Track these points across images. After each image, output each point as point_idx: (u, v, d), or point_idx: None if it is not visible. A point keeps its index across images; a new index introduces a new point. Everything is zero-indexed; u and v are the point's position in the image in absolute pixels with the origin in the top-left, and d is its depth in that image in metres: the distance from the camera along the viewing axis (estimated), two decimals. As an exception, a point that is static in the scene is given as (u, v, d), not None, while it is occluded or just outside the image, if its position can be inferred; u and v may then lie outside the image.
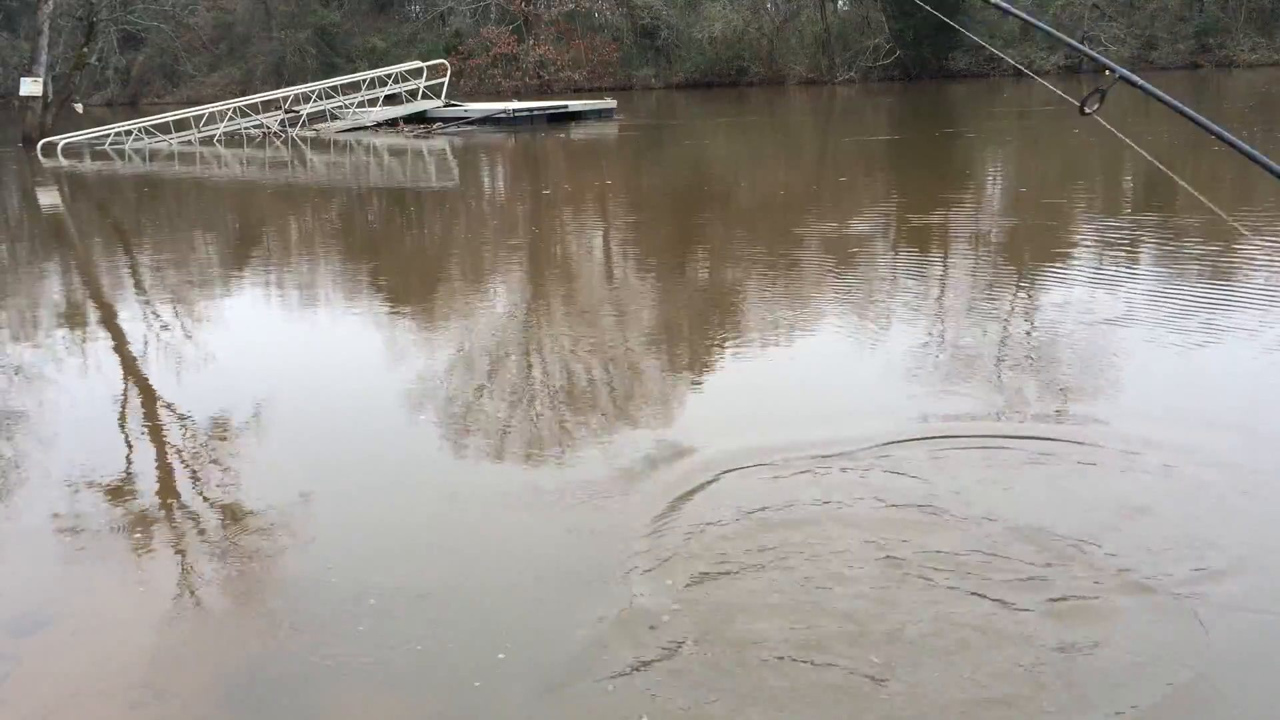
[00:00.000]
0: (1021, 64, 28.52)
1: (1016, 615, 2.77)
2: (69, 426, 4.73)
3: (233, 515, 3.66)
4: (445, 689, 2.59)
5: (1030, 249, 7.84)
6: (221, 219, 12.37)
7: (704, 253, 8.48)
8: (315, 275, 8.37)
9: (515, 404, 4.76)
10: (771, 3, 36.56)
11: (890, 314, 5.96)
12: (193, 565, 3.29)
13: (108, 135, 21.01)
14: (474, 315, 6.58)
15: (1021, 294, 6.40)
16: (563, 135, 20.47)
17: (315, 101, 22.98)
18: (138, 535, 3.54)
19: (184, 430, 4.61)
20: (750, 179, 13.53)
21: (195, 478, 4.05)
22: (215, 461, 4.20)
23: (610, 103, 24.12)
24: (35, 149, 20.26)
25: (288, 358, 5.93)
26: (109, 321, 6.92)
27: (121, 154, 20.09)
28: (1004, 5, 2.60)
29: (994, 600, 2.84)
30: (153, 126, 21.71)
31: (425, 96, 23.31)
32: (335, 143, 20.51)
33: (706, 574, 3.04)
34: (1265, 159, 1.95)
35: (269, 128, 21.80)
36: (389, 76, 23.55)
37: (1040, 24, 2.45)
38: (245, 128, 22.09)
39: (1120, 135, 2.58)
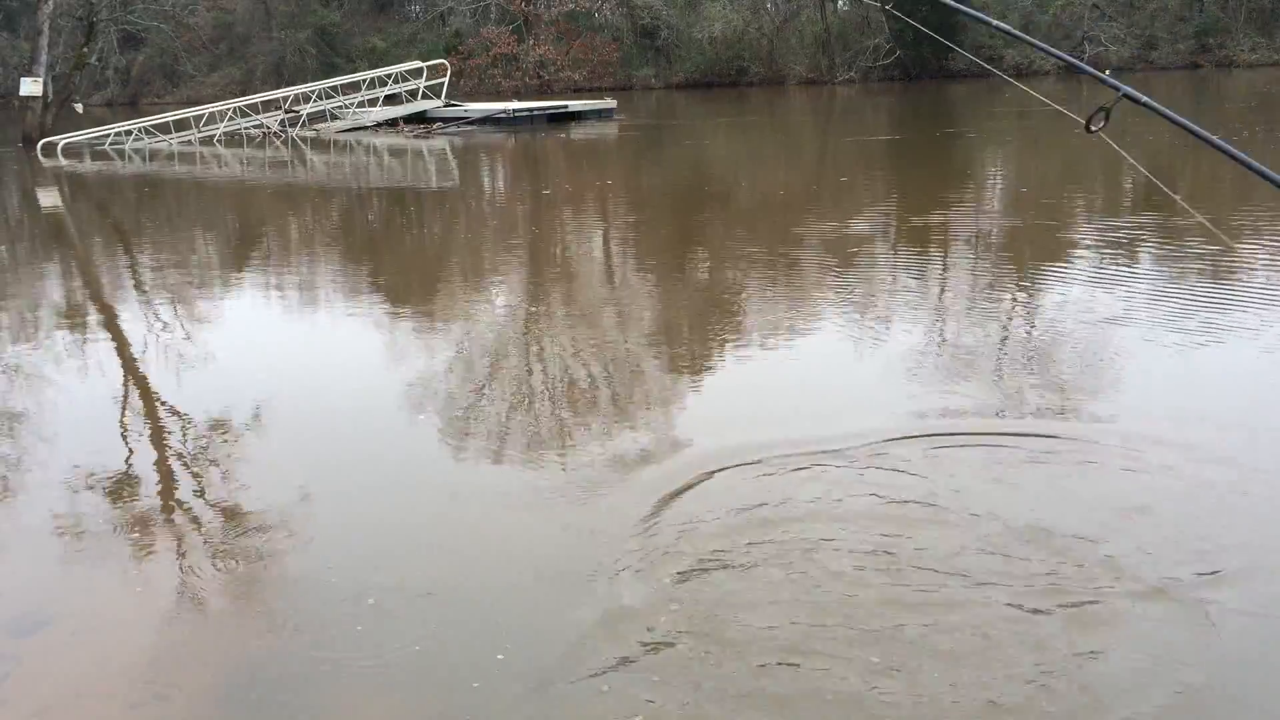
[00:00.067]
0: (1021, 64, 28.54)
1: (1020, 616, 2.77)
2: (69, 426, 4.73)
3: (233, 515, 3.66)
4: (445, 689, 2.59)
5: (1030, 249, 7.84)
6: (221, 219, 12.37)
7: (704, 253, 8.48)
8: (315, 275, 8.37)
9: (515, 403, 4.76)
10: (771, 3, 36.57)
11: (890, 313, 5.96)
12: (193, 565, 3.29)
13: (108, 135, 21.01)
14: (474, 315, 6.58)
15: (1022, 293, 6.40)
16: (563, 135, 20.48)
17: (315, 101, 22.98)
18: (138, 535, 3.54)
19: (184, 430, 4.62)
20: (750, 179, 13.52)
21: (195, 477, 4.05)
22: (215, 461, 4.20)
23: (610, 103, 24.13)
24: (35, 149, 20.26)
25: (288, 358, 5.93)
26: (109, 321, 6.92)
27: (121, 154, 20.09)
28: (1000, 25, 2.59)
29: (996, 601, 2.84)
30: (153, 126, 21.71)
31: (425, 96, 23.31)
32: (335, 143, 20.51)
33: (705, 573, 3.04)
34: (1265, 169, 1.95)
35: (269, 128, 21.80)
36: (389, 76, 23.55)
37: (1040, 43, 2.43)
38: (245, 128, 22.09)
39: (1123, 153, 2.57)
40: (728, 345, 5.57)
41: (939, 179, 12.33)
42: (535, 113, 22.84)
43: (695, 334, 5.89)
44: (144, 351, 6.02)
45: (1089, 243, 7.82)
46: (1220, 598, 2.81)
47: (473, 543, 3.39)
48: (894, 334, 5.53)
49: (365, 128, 22.40)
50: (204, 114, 21.61)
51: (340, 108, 23.04)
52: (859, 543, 3.18)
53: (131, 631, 2.93)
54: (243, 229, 11.58)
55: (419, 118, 22.52)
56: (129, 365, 5.78)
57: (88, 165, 18.66)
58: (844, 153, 16.28)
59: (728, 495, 3.54)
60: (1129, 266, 6.99)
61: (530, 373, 5.27)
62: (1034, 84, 25.38)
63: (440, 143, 19.69)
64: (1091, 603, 2.81)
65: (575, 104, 24.07)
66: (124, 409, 4.99)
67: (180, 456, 4.29)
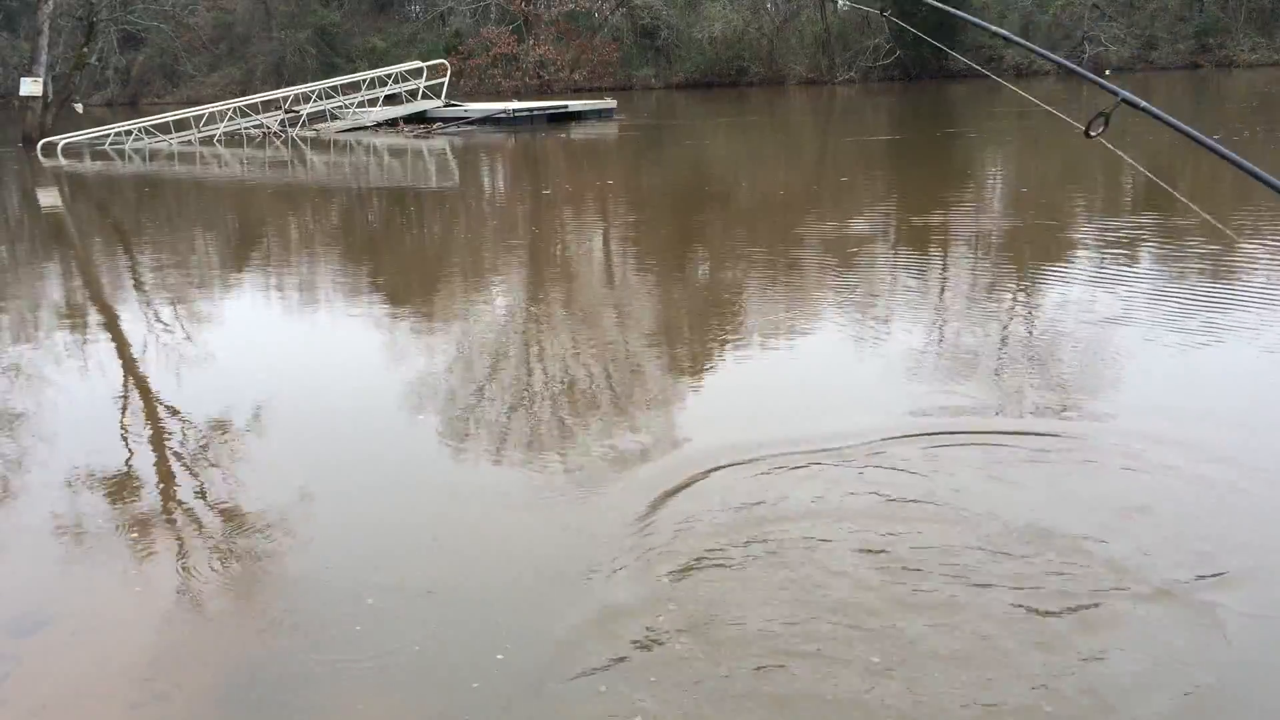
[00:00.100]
0: (1022, 65, 28.51)
1: (1021, 617, 2.76)
2: (69, 426, 4.73)
3: (232, 515, 3.66)
4: (445, 689, 2.59)
5: (1030, 249, 7.84)
6: (221, 219, 12.37)
7: (704, 252, 8.48)
8: (315, 275, 8.37)
9: (514, 403, 4.76)
10: (771, 3, 36.57)
11: (890, 313, 5.96)
12: (193, 565, 3.29)
13: (108, 135, 21.01)
14: (473, 315, 6.58)
15: (1022, 293, 6.40)
16: (563, 135, 20.47)
17: (315, 101, 22.97)
18: (137, 535, 3.54)
19: (184, 430, 4.61)
20: (750, 179, 13.52)
21: (195, 478, 4.05)
22: (215, 461, 4.20)
23: (610, 103, 24.13)
24: (35, 149, 20.26)
25: (288, 358, 5.93)
26: (109, 321, 6.92)
27: (121, 154, 20.09)
28: (998, 30, 2.59)
29: (997, 601, 2.83)
30: (153, 126, 21.71)
31: (425, 96, 23.30)
32: (335, 143, 20.51)
33: (704, 573, 3.04)
34: (1267, 175, 1.94)
35: (269, 128, 21.80)
36: (389, 76, 23.54)
37: (1038, 48, 2.44)
38: (245, 128, 22.09)
39: (1124, 156, 2.57)
40: (727, 345, 5.57)
41: (939, 179, 12.33)
42: (535, 113, 22.83)
43: (695, 334, 5.89)
44: (144, 351, 6.02)
45: (1089, 243, 7.82)
46: (1224, 599, 2.80)
47: (472, 543, 3.39)
48: (894, 333, 5.53)
49: (365, 128, 22.40)
50: (204, 114, 21.61)
51: (340, 108, 23.03)
52: (859, 542, 3.18)
53: (131, 631, 2.93)
54: (243, 229, 11.58)
55: (419, 118, 22.52)
56: (129, 365, 5.78)
57: (88, 165, 18.66)
58: (844, 153, 16.28)
59: (727, 495, 3.54)
60: (1129, 266, 6.99)
61: (530, 372, 5.27)
62: (1034, 84, 25.40)
63: (440, 143, 19.69)
64: (1094, 603, 2.81)
65: (575, 104, 24.07)
66: (124, 409, 4.98)
67: (180, 456, 4.29)
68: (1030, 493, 3.49)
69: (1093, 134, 2.05)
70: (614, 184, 13.51)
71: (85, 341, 6.31)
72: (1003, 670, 2.54)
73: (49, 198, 15.25)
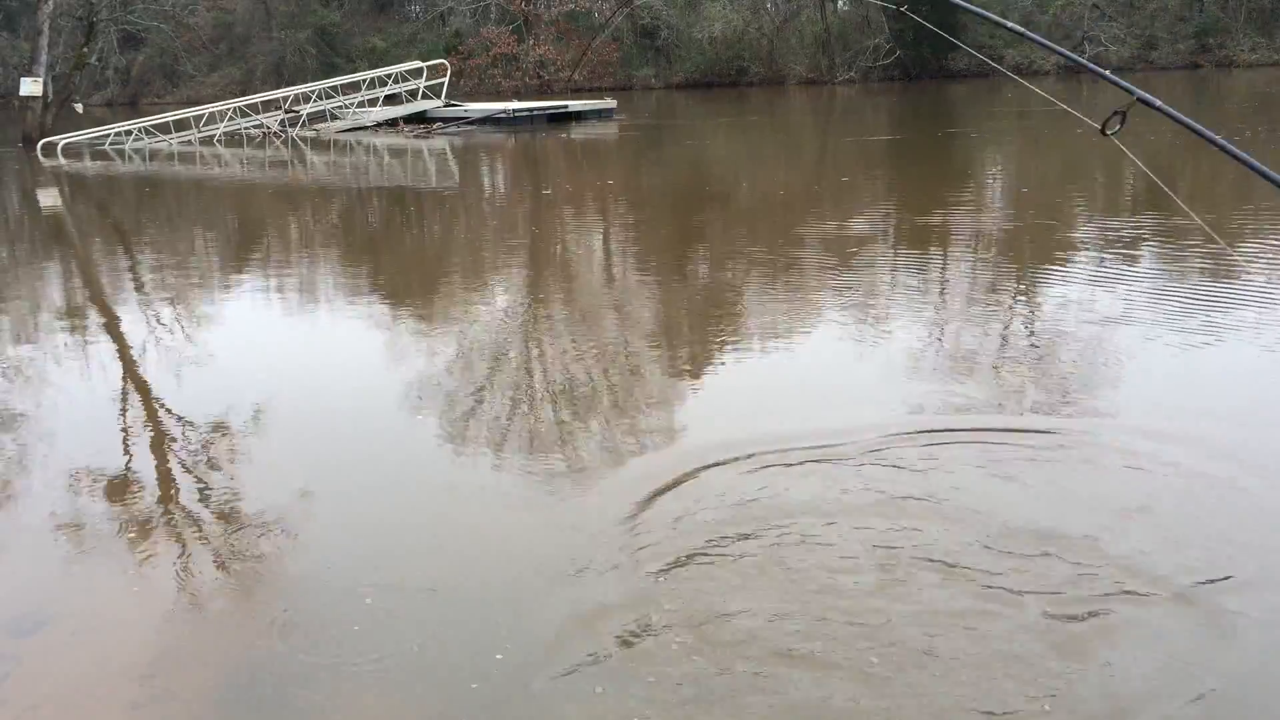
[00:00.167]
0: (1022, 64, 28.51)
1: (1023, 618, 2.76)
2: (69, 426, 4.73)
3: (232, 515, 3.66)
4: (444, 689, 2.59)
5: (1031, 248, 7.84)
6: (221, 219, 12.37)
7: (704, 253, 8.48)
8: (315, 275, 8.37)
9: (515, 403, 4.76)
10: (771, 3, 36.56)
11: (890, 313, 5.96)
12: (192, 565, 3.29)
13: (108, 135, 21.02)
14: (473, 315, 6.58)
15: (1022, 293, 6.39)
16: (563, 135, 20.47)
17: (315, 101, 22.97)
18: (137, 535, 3.53)
19: (184, 430, 4.61)
20: (750, 179, 13.52)
21: (195, 478, 4.05)
22: (215, 461, 4.20)
23: (610, 103, 24.13)
24: (35, 149, 20.26)
25: (288, 358, 5.93)
26: (109, 321, 6.92)
27: (121, 154, 20.09)
28: (1014, 26, 2.58)
29: (998, 602, 2.83)
30: (153, 126, 21.71)
31: (425, 96, 23.30)
32: (335, 143, 20.51)
33: (704, 573, 3.04)
34: (1277, 176, 1.94)
35: (269, 128, 21.79)
36: (389, 76, 23.54)
37: (1058, 47, 2.43)
38: (245, 128, 22.09)
39: (1135, 160, 2.57)
40: (727, 344, 5.57)
41: (939, 179, 12.33)
42: (535, 113, 22.83)
43: (695, 333, 5.89)
44: (144, 351, 6.02)
45: (1089, 242, 7.81)
46: (1229, 601, 2.80)
47: (472, 543, 3.38)
48: (894, 333, 5.53)
49: (365, 128, 22.40)
50: (204, 114, 21.61)
51: (340, 108, 23.03)
52: (859, 542, 3.17)
53: (131, 631, 2.92)
54: (243, 229, 11.58)
55: (419, 118, 22.52)
56: (129, 365, 5.78)
57: (88, 165, 18.66)
58: (844, 153, 16.28)
59: (727, 494, 3.54)
60: (1130, 265, 6.99)
61: (530, 372, 5.27)
62: (1034, 84, 25.34)
63: (440, 143, 19.69)
64: (1096, 603, 2.80)
65: (575, 104, 24.06)
66: (124, 409, 4.98)
67: (180, 456, 4.29)
68: (1031, 491, 3.49)
69: (1108, 132, 2.06)
70: (614, 184, 13.50)
71: (85, 341, 6.30)
72: (1005, 673, 2.53)
73: (49, 198, 15.25)
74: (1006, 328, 5.67)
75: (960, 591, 2.88)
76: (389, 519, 3.58)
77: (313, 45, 38.44)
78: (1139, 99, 2.04)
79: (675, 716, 2.43)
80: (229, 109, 22.33)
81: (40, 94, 21.86)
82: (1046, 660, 2.57)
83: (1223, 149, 2.02)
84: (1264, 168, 1.97)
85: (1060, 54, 2.48)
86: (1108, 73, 2.30)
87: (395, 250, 9.41)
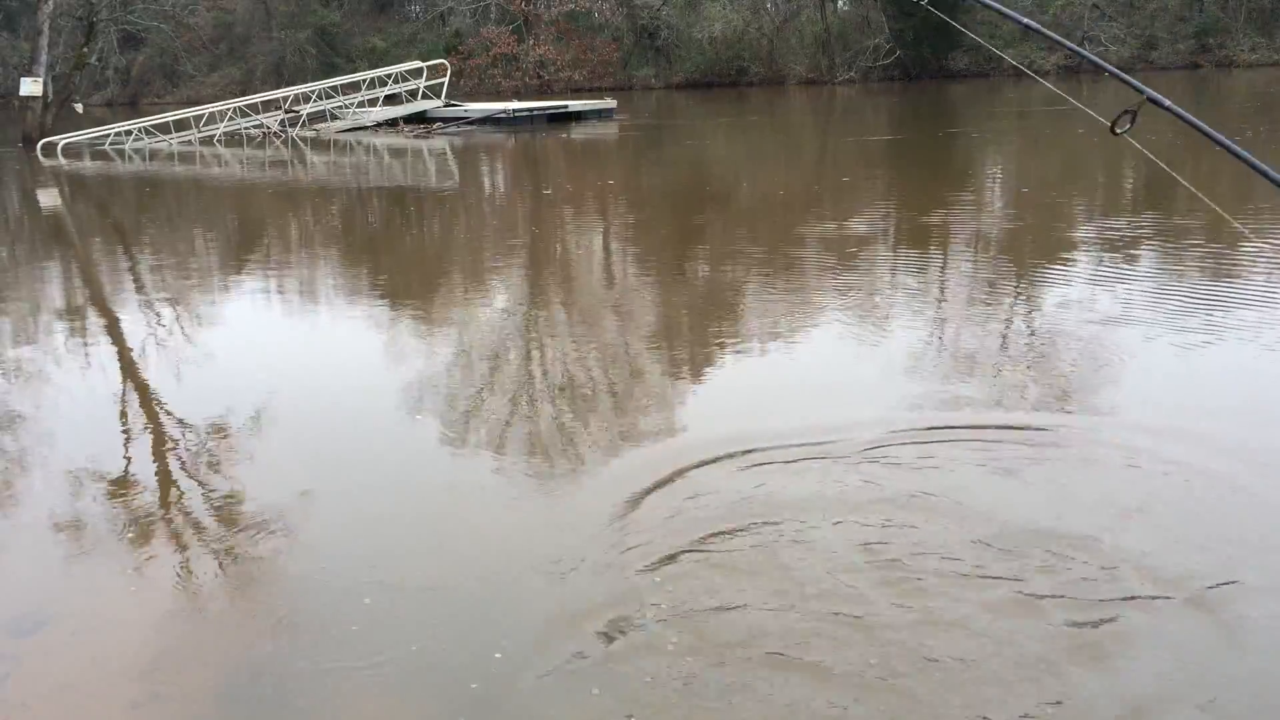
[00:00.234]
0: (1022, 64, 28.53)
1: (1024, 618, 2.75)
2: (68, 426, 4.73)
3: (232, 515, 3.66)
4: (444, 689, 2.58)
5: (1032, 248, 7.84)
6: (221, 219, 12.36)
7: (704, 252, 8.47)
8: (315, 275, 8.36)
9: (515, 402, 4.76)
10: (771, 3, 36.55)
11: (890, 313, 5.96)
12: (192, 565, 3.29)
13: (108, 135, 21.01)
14: (473, 315, 6.58)
15: (1023, 293, 6.39)
16: (563, 135, 20.47)
17: (315, 101, 22.97)
18: (137, 535, 3.53)
19: (184, 430, 4.61)
20: (751, 179, 13.52)
21: (195, 477, 4.04)
22: (215, 461, 4.19)
23: (610, 103, 24.12)
24: (35, 149, 20.26)
25: (287, 358, 5.93)
26: (109, 321, 6.91)
27: (121, 154, 20.08)
28: (1008, 11, 2.57)
29: (998, 602, 2.83)
30: (153, 126, 21.71)
31: (425, 96, 23.30)
32: (335, 143, 20.50)
33: (704, 572, 3.04)
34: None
35: (269, 128, 21.79)
36: (389, 76, 23.54)
37: (1064, 40, 2.43)
38: (245, 128, 22.09)
39: (1152, 157, 2.57)
40: (727, 345, 5.57)
41: (940, 179, 12.33)
42: (535, 113, 22.83)
43: (694, 333, 5.89)
44: (144, 351, 6.01)
45: (1090, 242, 7.81)
46: (1232, 601, 2.80)
47: (472, 542, 3.38)
48: (894, 333, 5.52)
49: (365, 128, 22.40)
50: (204, 114, 21.61)
51: (340, 108, 23.03)
52: (859, 541, 3.17)
53: (131, 631, 2.92)
54: (243, 229, 11.58)
55: (419, 118, 22.52)
56: (129, 365, 5.78)
57: (88, 165, 18.66)
58: (844, 153, 16.27)
59: (727, 492, 3.53)
60: (1130, 265, 6.99)
61: (530, 372, 5.27)
62: (1033, 84, 25.37)
63: (440, 143, 19.69)
64: (1097, 603, 2.80)
65: (575, 104, 24.06)
66: (124, 409, 4.98)
67: (180, 456, 4.29)
68: (1032, 490, 3.49)
69: (1119, 131, 2.07)
70: (614, 184, 13.50)
71: (85, 341, 6.30)
72: (1006, 674, 2.53)
73: (49, 198, 15.24)
74: (1006, 327, 5.67)
75: (960, 591, 2.87)
76: (389, 518, 3.57)
77: (313, 45, 38.43)
78: (1149, 98, 2.04)
79: (671, 717, 2.43)
80: (229, 109, 22.32)
81: (40, 94, 21.86)
82: (1048, 662, 2.56)
83: (1229, 149, 2.02)
84: (1267, 169, 1.97)
85: (1080, 54, 2.48)
86: (1120, 72, 2.30)
87: (395, 250, 9.41)
